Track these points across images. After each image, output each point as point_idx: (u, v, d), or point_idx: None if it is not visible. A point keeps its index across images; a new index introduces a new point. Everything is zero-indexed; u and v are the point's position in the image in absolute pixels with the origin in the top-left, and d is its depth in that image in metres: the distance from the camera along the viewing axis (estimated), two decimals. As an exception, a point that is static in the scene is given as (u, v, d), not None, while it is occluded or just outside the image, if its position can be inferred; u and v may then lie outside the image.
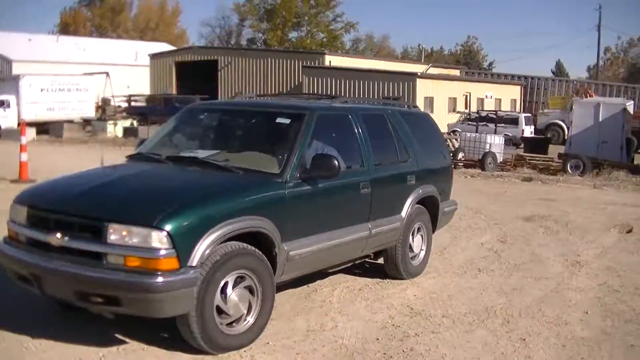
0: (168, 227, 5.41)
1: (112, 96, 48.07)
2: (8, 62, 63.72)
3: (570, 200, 16.93)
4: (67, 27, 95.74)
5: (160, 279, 5.33)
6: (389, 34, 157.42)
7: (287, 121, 7.23)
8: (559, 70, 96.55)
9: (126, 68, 65.39)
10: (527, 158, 27.92)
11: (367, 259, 8.72)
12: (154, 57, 62.31)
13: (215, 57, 56.85)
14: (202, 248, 5.58)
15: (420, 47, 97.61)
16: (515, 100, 55.98)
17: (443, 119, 41.20)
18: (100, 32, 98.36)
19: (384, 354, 6.09)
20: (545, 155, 29.35)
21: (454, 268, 9.48)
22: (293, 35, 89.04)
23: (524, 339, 6.58)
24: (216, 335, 5.78)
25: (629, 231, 12.85)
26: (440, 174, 9.59)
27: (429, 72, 52.27)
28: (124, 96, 49.02)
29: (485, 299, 7.98)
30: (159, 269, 5.38)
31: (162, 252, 5.39)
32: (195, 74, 56.87)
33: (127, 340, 6.13)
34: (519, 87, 57.47)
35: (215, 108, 9.02)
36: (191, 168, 6.84)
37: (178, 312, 5.55)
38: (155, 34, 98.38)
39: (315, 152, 6.96)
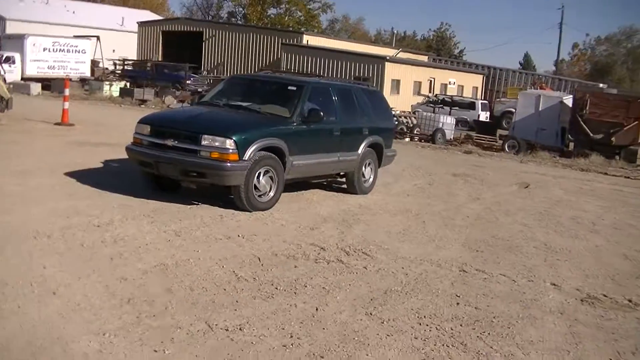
0: (235, 137, 10.23)
1: (102, 59, 52.00)
2: (2, 20, 66.92)
3: (495, 168, 21.85)
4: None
5: (229, 164, 10.16)
6: (364, 17, 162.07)
7: (295, 88, 12.18)
8: (527, 63, 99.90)
9: (113, 33, 68.87)
10: (474, 137, 32.81)
11: (335, 179, 13.81)
12: (142, 24, 66.02)
13: (200, 29, 60.97)
14: (250, 151, 10.38)
15: (393, 30, 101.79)
16: (477, 88, 60.41)
17: (408, 101, 45.75)
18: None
19: (343, 219, 11.00)
20: (491, 137, 34.15)
21: (391, 194, 14.32)
22: (272, 12, 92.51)
23: (424, 222, 11.50)
24: (253, 201, 10.63)
25: (527, 187, 17.73)
26: (386, 131, 14.54)
27: (398, 56, 56.61)
28: (117, 60, 52.81)
29: (407, 206, 12.84)
30: (229, 159, 10.17)
31: (231, 150, 10.18)
32: (180, 44, 60.79)
33: (199, 203, 10.91)
34: (481, 76, 61.89)
35: (250, 78, 14.19)
36: (240, 111, 11.75)
37: (236, 183, 10.35)
38: (137, 1, 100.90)
39: (310, 107, 11.76)
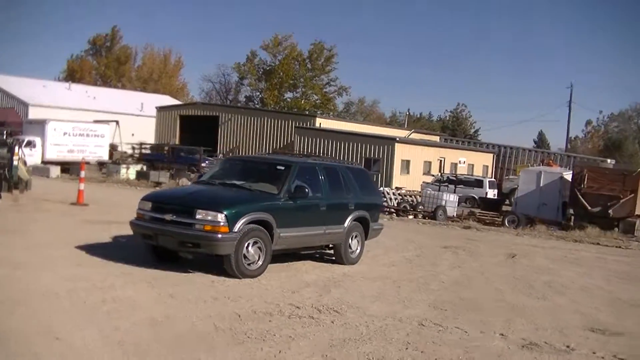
0: (225, 212, 11.52)
1: (120, 143, 53.81)
2: (25, 105, 69.07)
3: (488, 241, 22.89)
4: (73, 74, 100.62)
5: (220, 235, 11.45)
6: (379, 99, 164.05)
7: (283, 168, 13.51)
8: (541, 141, 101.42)
9: (132, 117, 70.90)
10: (477, 213, 33.78)
11: (324, 250, 15.04)
12: (160, 109, 68.06)
13: (217, 113, 62.88)
14: (239, 224, 11.66)
15: (408, 112, 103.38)
16: (487, 166, 61.58)
17: (418, 180, 46.93)
18: (104, 80, 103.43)
19: (324, 284, 12.17)
20: (495, 213, 35.15)
21: (378, 264, 15.44)
22: (288, 95, 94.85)
23: (399, 287, 12.63)
24: (242, 268, 11.84)
25: (513, 257, 18.69)
26: (372, 206, 15.77)
27: (410, 137, 58.02)
28: (135, 144, 54.54)
29: (388, 275, 13.97)
30: (220, 231, 11.46)
31: (222, 223, 11.47)
32: (197, 127, 62.50)
33: (194, 271, 12.12)
34: (491, 155, 63.25)
35: (243, 159, 15.68)
36: (233, 188, 13.08)
37: (227, 252, 11.59)
38: (157, 85, 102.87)
39: (296, 185, 13.02)
